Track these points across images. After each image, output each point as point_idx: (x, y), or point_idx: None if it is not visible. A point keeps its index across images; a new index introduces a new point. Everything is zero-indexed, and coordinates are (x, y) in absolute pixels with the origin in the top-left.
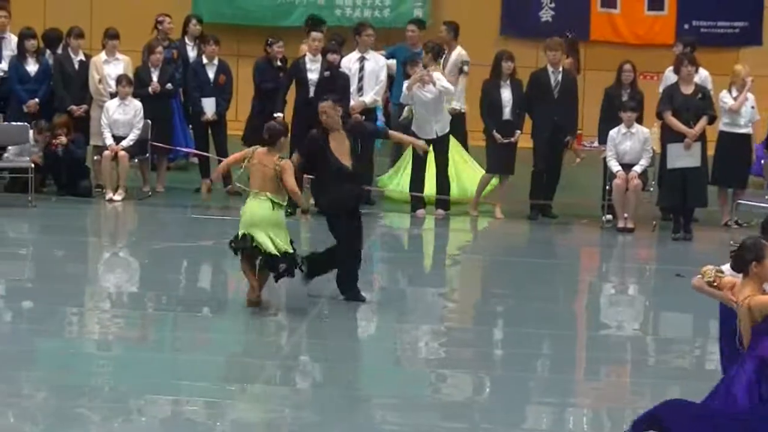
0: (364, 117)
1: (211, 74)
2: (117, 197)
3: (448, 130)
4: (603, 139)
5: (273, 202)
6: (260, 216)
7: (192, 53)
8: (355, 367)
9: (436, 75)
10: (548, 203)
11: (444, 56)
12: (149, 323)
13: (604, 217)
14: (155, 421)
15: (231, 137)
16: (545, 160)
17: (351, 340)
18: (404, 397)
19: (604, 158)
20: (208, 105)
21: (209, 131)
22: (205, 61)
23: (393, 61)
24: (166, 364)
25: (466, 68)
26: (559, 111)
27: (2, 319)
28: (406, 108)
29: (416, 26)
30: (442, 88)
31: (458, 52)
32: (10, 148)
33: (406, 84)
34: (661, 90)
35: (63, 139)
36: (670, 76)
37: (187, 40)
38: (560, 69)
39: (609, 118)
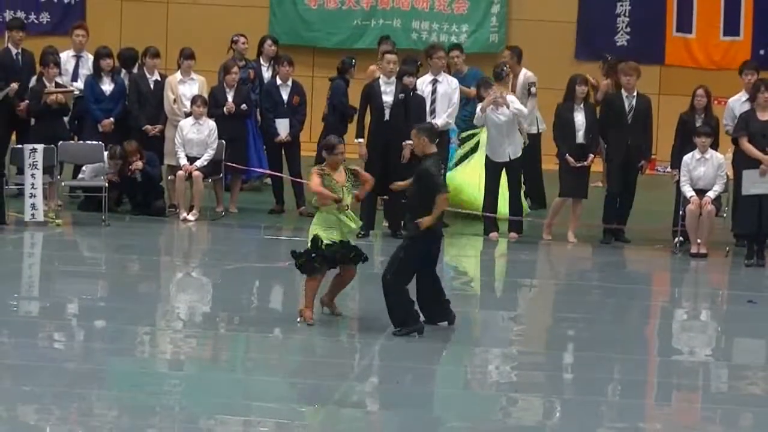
0: (438, 139)
1: (285, 95)
2: (191, 217)
3: (520, 153)
4: (676, 164)
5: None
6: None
7: (267, 74)
8: (426, 390)
9: (510, 98)
10: (621, 227)
11: (510, 81)
12: (221, 343)
13: (676, 240)
14: None
15: (304, 158)
16: (619, 185)
17: (422, 362)
18: (475, 421)
19: (677, 183)
20: (282, 126)
21: (283, 152)
22: (279, 81)
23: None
24: (238, 385)
25: (533, 89)
26: (633, 135)
27: (75, 338)
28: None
29: (459, 51)
30: (516, 110)
31: (525, 74)
32: (85, 167)
33: (480, 106)
34: (725, 119)
35: (140, 164)
36: (734, 105)
37: (262, 61)
38: (635, 93)
39: (683, 143)
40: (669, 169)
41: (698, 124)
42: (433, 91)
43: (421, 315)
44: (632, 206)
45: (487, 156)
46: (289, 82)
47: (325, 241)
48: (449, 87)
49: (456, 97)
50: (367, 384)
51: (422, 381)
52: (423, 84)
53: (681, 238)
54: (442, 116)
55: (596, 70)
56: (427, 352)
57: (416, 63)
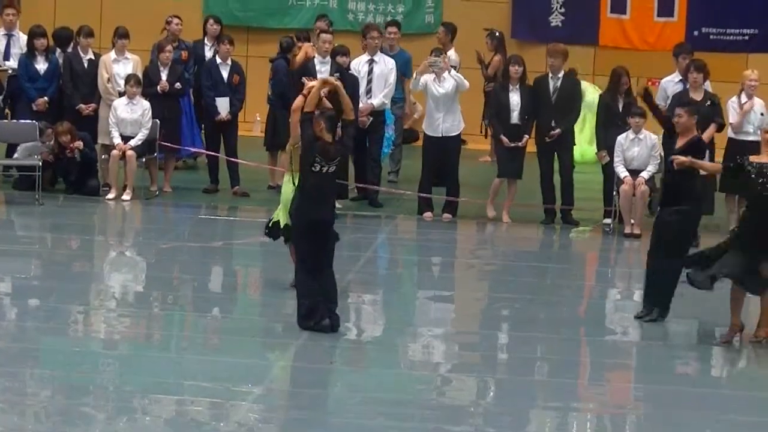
0: (372, 119)
1: (225, 74)
2: (125, 196)
3: (457, 132)
4: (601, 145)
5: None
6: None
7: (209, 53)
8: (360, 370)
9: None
10: (569, 208)
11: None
12: (155, 323)
13: (609, 221)
14: (159, 420)
15: (241, 137)
16: (549, 167)
17: (355, 343)
18: (408, 400)
19: (604, 165)
20: (222, 105)
21: (221, 131)
22: (219, 60)
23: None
24: (171, 364)
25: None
26: (559, 116)
27: (7, 317)
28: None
29: (397, 28)
30: (457, 79)
31: (450, 55)
32: (19, 146)
33: (417, 70)
34: (657, 99)
35: (80, 144)
36: (667, 86)
37: (206, 41)
38: (560, 75)
39: (605, 125)
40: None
41: (620, 106)
42: (370, 71)
43: None
44: (573, 186)
45: (424, 131)
46: (229, 61)
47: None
48: (386, 67)
49: (392, 78)
50: (302, 361)
51: (355, 361)
52: (359, 64)
53: (608, 221)
54: (378, 96)
55: (531, 50)
56: (361, 333)
57: (291, 39)
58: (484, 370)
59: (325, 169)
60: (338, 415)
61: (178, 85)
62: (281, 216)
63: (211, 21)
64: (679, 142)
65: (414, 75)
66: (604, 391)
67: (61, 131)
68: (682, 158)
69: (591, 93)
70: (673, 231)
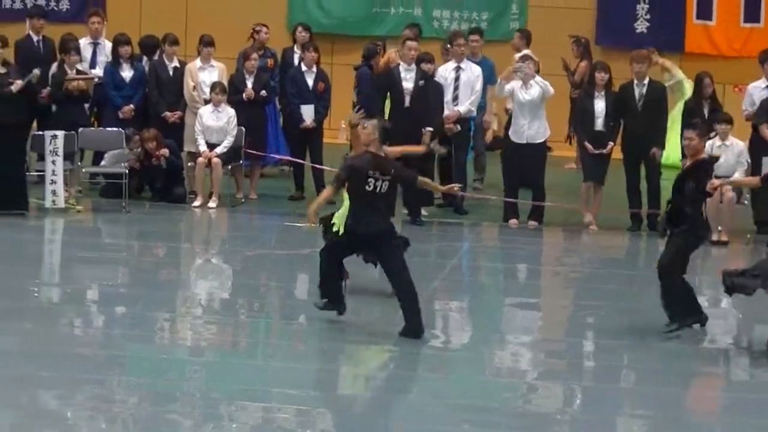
0: (459, 126)
1: (310, 81)
2: (211, 204)
3: (542, 139)
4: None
5: None
6: None
7: (297, 61)
8: (447, 376)
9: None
10: (638, 213)
11: None
12: (242, 330)
13: None
14: (246, 427)
15: (326, 145)
16: (634, 174)
17: (441, 350)
18: (494, 408)
19: None
20: (307, 112)
21: (306, 139)
22: (304, 68)
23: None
24: (258, 371)
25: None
26: (644, 123)
27: (95, 324)
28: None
29: (479, 36)
30: (542, 85)
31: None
32: (106, 154)
33: (501, 76)
34: (744, 105)
35: (166, 151)
36: (754, 92)
37: (295, 48)
38: (645, 81)
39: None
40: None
41: (705, 111)
42: (456, 78)
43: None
44: (659, 193)
45: (507, 136)
46: (314, 69)
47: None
48: (472, 74)
49: (479, 85)
50: (386, 370)
51: (441, 368)
52: (446, 71)
53: None
54: (465, 103)
55: (619, 57)
56: (448, 341)
57: (377, 47)
58: (570, 378)
59: (378, 187)
60: (423, 423)
61: (263, 92)
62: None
63: (299, 28)
64: (687, 163)
65: (498, 81)
66: (691, 399)
67: (148, 138)
68: (717, 182)
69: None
70: (670, 252)
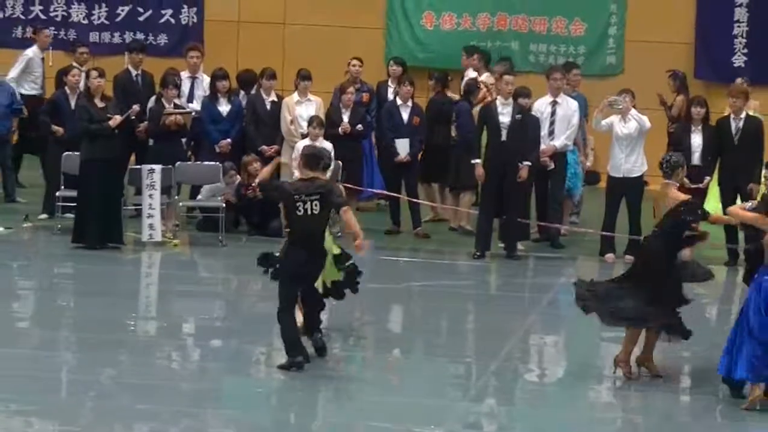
0: (554, 162)
1: (405, 115)
2: None
3: (639, 173)
4: None
5: None
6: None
7: (392, 95)
8: (543, 410)
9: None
10: (734, 248)
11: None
12: (337, 363)
13: None
14: None
15: None
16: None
17: (537, 384)
18: None
19: None
20: (402, 146)
21: (401, 173)
22: (399, 102)
23: None
24: (354, 405)
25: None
26: (741, 158)
27: (191, 358)
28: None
29: (578, 70)
30: (637, 118)
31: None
32: (202, 187)
33: (597, 109)
34: None
35: None
36: None
37: (390, 82)
38: (742, 116)
39: None
40: None
41: None
42: (553, 113)
43: None
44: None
45: (608, 172)
46: (410, 103)
47: None
48: (569, 109)
49: (575, 119)
50: (483, 405)
51: (537, 402)
52: (542, 105)
53: None
54: (561, 138)
55: (717, 91)
56: (543, 374)
57: (447, 77)
58: (666, 412)
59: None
60: None
61: (359, 127)
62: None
63: (392, 62)
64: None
65: (594, 114)
66: None
67: (249, 162)
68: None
69: None
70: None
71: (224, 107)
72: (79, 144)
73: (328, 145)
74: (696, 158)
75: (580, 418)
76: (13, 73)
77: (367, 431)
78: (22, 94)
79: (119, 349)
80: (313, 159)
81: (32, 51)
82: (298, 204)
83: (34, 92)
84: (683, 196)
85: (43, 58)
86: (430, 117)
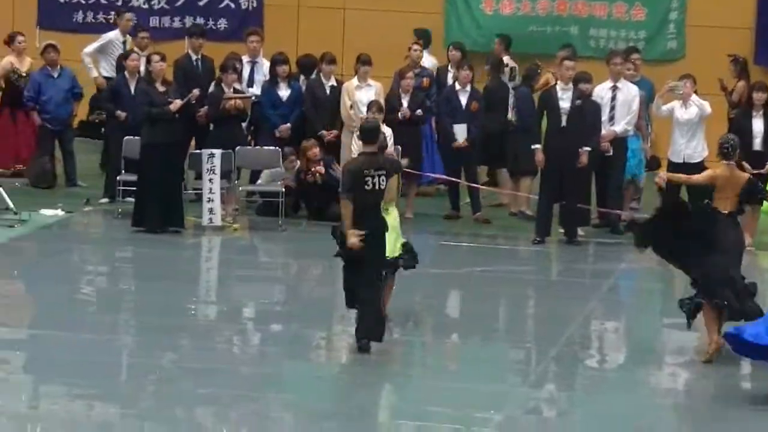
0: (614, 148)
1: (464, 100)
2: None
3: (698, 159)
4: None
5: None
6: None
7: (451, 80)
8: (602, 396)
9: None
10: None
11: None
12: (396, 348)
13: None
14: None
15: None
16: None
17: (597, 370)
18: (650, 430)
19: None
20: (460, 131)
21: (460, 158)
22: (458, 87)
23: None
24: (414, 390)
25: None
26: None
27: (251, 341)
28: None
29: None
30: (697, 104)
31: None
32: (262, 172)
33: (658, 94)
34: None
35: (321, 169)
36: None
37: (449, 67)
38: None
39: None
40: None
41: None
42: (613, 98)
43: None
44: None
45: (668, 157)
46: (468, 88)
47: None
48: (629, 94)
49: (636, 105)
50: (543, 391)
51: (597, 388)
52: (602, 90)
53: None
54: (621, 123)
55: None
56: (603, 360)
57: (501, 62)
58: (726, 399)
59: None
60: None
61: (419, 112)
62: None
63: (451, 47)
64: None
65: (655, 100)
66: None
67: (308, 147)
68: None
69: None
70: None
71: (284, 92)
72: (140, 128)
73: (387, 131)
74: (757, 143)
75: (640, 403)
76: (89, 48)
77: (427, 416)
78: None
79: (180, 333)
80: (370, 133)
81: (114, 34)
82: (366, 179)
83: (110, 75)
84: (746, 175)
85: (124, 42)
86: (485, 103)
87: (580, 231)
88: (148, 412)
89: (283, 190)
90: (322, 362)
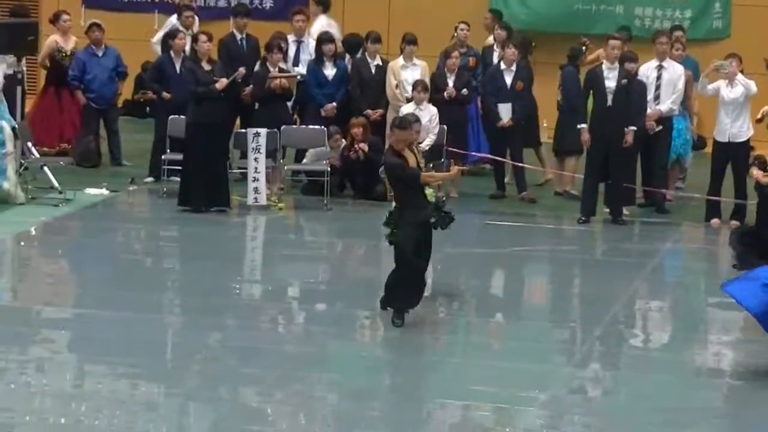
0: (660, 126)
1: (508, 80)
2: None
3: (744, 138)
4: None
5: None
6: None
7: (497, 59)
8: (648, 376)
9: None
10: None
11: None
12: (441, 328)
13: None
14: (445, 426)
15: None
16: None
17: (642, 349)
18: (694, 409)
19: None
20: (505, 110)
21: (506, 137)
22: (503, 66)
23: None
24: (458, 369)
25: None
26: None
27: (296, 321)
28: None
29: (681, 32)
30: (743, 83)
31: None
32: (308, 151)
33: (703, 74)
34: None
35: (364, 146)
36: None
37: (495, 47)
38: None
39: None
40: None
41: None
42: (658, 77)
43: None
44: None
45: (714, 137)
46: (513, 67)
47: None
48: (674, 73)
49: (681, 84)
50: (588, 370)
51: (642, 368)
52: (648, 70)
53: None
54: (666, 102)
55: None
56: (647, 339)
57: (530, 43)
58: None
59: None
60: (623, 422)
61: (464, 91)
62: None
63: (497, 26)
64: None
65: (701, 79)
66: None
67: (356, 123)
68: None
69: None
70: None
71: (329, 71)
72: (185, 108)
73: (433, 110)
74: None
75: (685, 383)
76: (156, 37)
77: (471, 396)
78: None
79: (225, 313)
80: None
81: (175, 18)
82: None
83: None
84: None
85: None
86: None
87: (625, 210)
88: (192, 392)
89: (329, 169)
90: (367, 342)
